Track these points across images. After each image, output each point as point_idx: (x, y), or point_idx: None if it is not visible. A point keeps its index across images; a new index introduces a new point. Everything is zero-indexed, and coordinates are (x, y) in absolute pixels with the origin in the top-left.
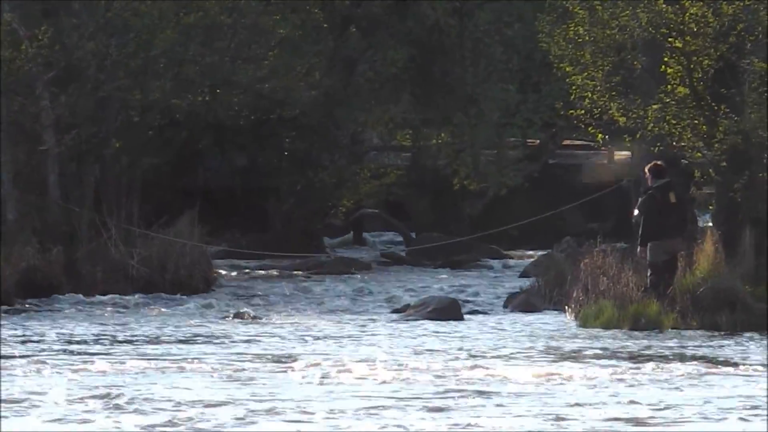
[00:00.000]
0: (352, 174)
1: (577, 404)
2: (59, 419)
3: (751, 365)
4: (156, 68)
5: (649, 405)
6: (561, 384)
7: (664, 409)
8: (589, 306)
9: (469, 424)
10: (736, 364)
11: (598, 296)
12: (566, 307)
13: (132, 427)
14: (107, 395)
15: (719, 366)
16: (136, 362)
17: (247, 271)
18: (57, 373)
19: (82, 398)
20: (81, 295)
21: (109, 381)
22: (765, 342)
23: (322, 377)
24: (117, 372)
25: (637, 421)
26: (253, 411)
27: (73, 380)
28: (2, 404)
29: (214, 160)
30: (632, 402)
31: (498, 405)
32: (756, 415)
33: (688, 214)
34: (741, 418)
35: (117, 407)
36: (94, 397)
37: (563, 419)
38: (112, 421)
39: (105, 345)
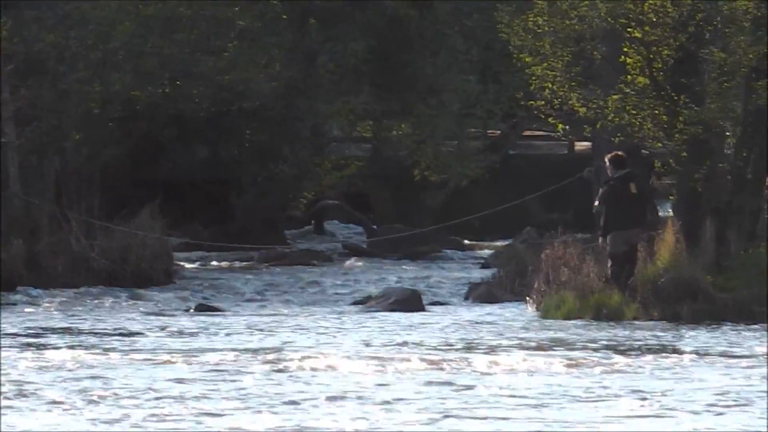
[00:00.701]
0: (313, 165)
1: (539, 394)
2: (19, 410)
3: (714, 355)
4: (116, 60)
5: (610, 395)
6: (521, 374)
7: (625, 397)
8: (550, 297)
9: (433, 418)
10: (698, 354)
11: (559, 287)
12: (527, 298)
13: (89, 421)
14: (66, 388)
15: (682, 355)
16: (96, 355)
17: (208, 263)
18: (13, 366)
19: (40, 390)
20: (42, 288)
21: (69, 374)
22: (727, 332)
23: (282, 369)
24: (78, 365)
25: (598, 411)
26: (212, 404)
27: (32, 373)
28: None
29: (175, 152)
30: (591, 391)
31: (454, 397)
32: (723, 405)
33: (648, 205)
34: (707, 408)
35: (79, 399)
36: (54, 389)
37: (525, 408)
38: (70, 414)
39: (65, 337)
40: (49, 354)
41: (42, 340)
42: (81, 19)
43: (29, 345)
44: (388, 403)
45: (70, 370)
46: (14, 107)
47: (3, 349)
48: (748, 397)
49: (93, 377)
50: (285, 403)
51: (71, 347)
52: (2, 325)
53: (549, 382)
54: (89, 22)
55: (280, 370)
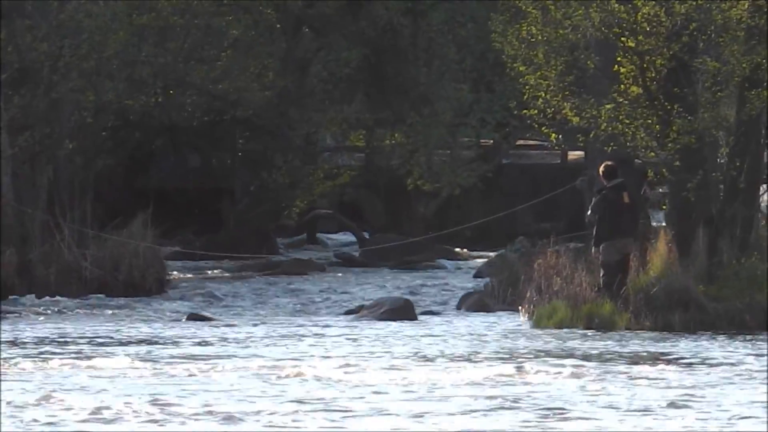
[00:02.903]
0: (305, 175)
1: (533, 404)
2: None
3: (706, 364)
4: (109, 69)
5: (601, 404)
6: (514, 384)
7: (614, 408)
8: (542, 306)
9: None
10: (690, 364)
11: (551, 296)
12: (520, 308)
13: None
14: (47, 397)
15: (673, 364)
16: (88, 363)
17: (200, 272)
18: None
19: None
20: (34, 297)
21: (60, 383)
22: (719, 341)
23: (274, 379)
24: (69, 374)
25: (590, 420)
26: (207, 412)
27: (22, 381)
28: None
29: (167, 161)
30: (583, 401)
31: (444, 405)
32: (707, 412)
33: (639, 214)
34: (697, 418)
35: (64, 409)
36: (43, 398)
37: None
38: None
39: (56, 347)
40: (34, 361)
41: (30, 350)
42: (74, 29)
43: (17, 354)
44: (372, 412)
45: (54, 378)
46: (7, 116)
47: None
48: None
49: (74, 387)
50: (274, 413)
51: (58, 355)
52: None
53: (548, 390)
54: (83, 32)
55: (269, 381)
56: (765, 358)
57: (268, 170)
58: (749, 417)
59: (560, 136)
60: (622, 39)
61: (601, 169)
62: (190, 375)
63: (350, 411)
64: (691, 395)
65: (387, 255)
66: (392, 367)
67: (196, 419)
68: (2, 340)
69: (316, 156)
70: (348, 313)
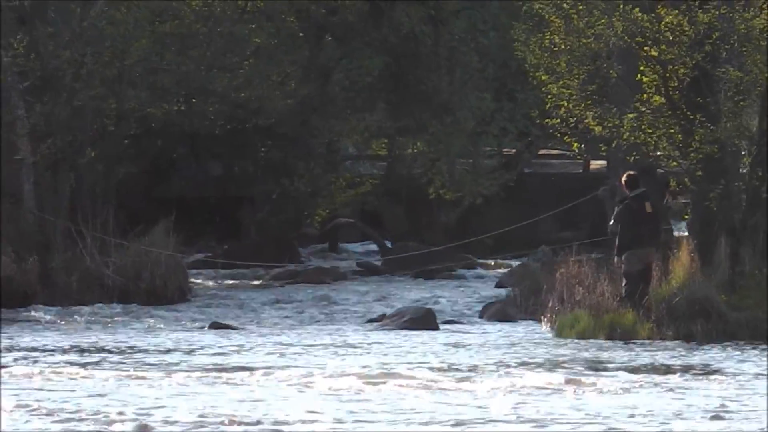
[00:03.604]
0: (327, 183)
1: (554, 414)
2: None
3: (730, 374)
4: (131, 77)
5: (626, 413)
6: (536, 394)
7: (641, 416)
8: (564, 316)
9: None
10: (712, 373)
11: (573, 306)
12: (542, 317)
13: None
14: (53, 410)
15: (695, 374)
16: (109, 372)
17: (222, 280)
18: (28, 381)
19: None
20: (56, 305)
21: (80, 392)
22: (740, 350)
23: (296, 387)
24: (88, 382)
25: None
26: (232, 420)
27: (44, 390)
28: None
29: (189, 169)
30: (612, 410)
31: (471, 413)
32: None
33: (661, 224)
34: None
35: (86, 419)
36: (67, 408)
37: (543, 427)
38: None
39: (79, 355)
40: (55, 371)
41: (52, 357)
42: (97, 36)
43: (38, 361)
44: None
45: (73, 386)
46: (29, 124)
47: (14, 365)
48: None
49: (99, 395)
50: (294, 421)
51: (80, 364)
52: (17, 341)
53: (575, 403)
54: (105, 39)
55: (292, 390)
56: None
57: (290, 178)
58: None
59: (582, 146)
60: (645, 48)
61: (624, 178)
62: (234, 384)
63: (375, 421)
64: (726, 406)
65: (408, 264)
66: (417, 377)
67: None
68: (28, 347)
69: (337, 164)
70: (370, 321)
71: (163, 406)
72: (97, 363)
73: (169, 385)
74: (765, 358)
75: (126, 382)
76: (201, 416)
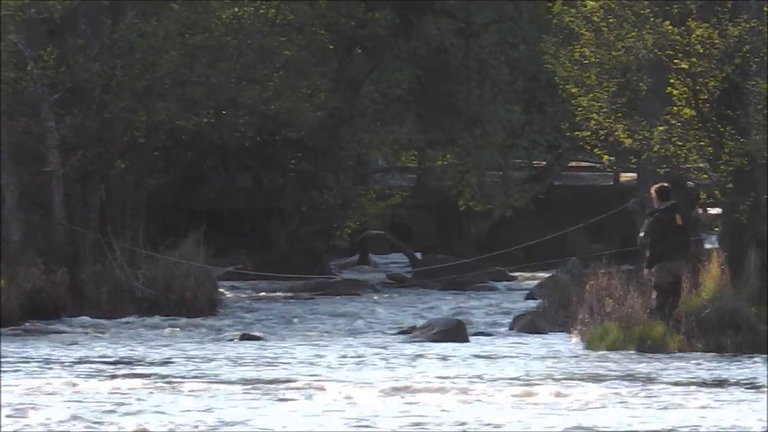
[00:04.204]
0: (357, 195)
1: (584, 427)
2: None
3: (761, 387)
4: (161, 89)
5: (657, 427)
6: (569, 407)
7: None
8: (594, 328)
9: None
10: (743, 386)
11: (603, 318)
12: (572, 329)
13: None
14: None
15: (726, 387)
16: (140, 381)
17: (252, 292)
18: (58, 393)
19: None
20: (86, 317)
21: (116, 401)
22: None
23: (326, 400)
24: (123, 393)
25: None
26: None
27: (76, 402)
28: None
29: (219, 181)
30: (643, 424)
31: (501, 423)
32: None
33: (691, 236)
34: None
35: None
36: (99, 419)
37: None
38: None
39: (109, 366)
40: (87, 381)
41: (82, 368)
42: (127, 48)
43: (70, 372)
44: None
45: (107, 397)
46: (59, 136)
47: (45, 377)
48: None
49: (133, 404)
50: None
51: (110, 375)
52: (47, 351)
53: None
54: (135, 51)
55: (320, 403)
56: None
57: (320, 190)
58: None
59: (612, 158)
60: (675, 61)
61: (656, 188)
62: (283, 399)
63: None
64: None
65: (438, 276)
66: (446, 389)
67: None
68: (54, 360)
69: (367, 176)
70: (400, 333)
71: (199, 419)
72: (124, 375)
73: (198, 396)
74: None
75: (156, 392)
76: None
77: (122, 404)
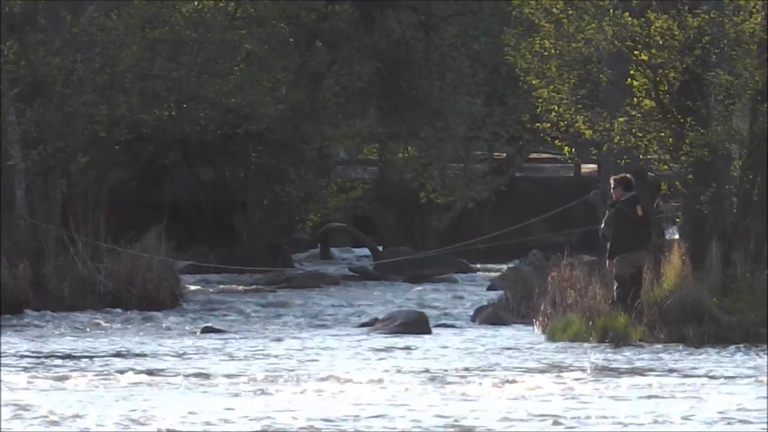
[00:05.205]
0: (318, 188)
1: (546, 416)
2: None
3: (723, 377)
4: (122, 83)
5: (616, 417)
6: (526, 397)
7: (628, 422)
8: (556, 319)
9: None
10: (705, 377)
11: (565, 309)
12: (534, 321)
13: None
14: (50, 417)
15: (688, 378)
16: (100, 378)
17: (214, 285)
18: (24, 389)
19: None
20: (48, 311)
21: (77, 397)
22: (732, 354)
23: (286, 392)
24: (89, 387)
25: None
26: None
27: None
28: None
29: (180, 175)
30: (601, 416)
31: (462, 415)
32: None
33: (652, 227)
34: None
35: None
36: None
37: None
38: None
39: (72, 360)
40: (48, 376)
41: (45, 362)
42: (88, 43)
43: (30, 366)
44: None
45: (69, 391)
46: (20, 130)
47: (12, 372)
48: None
49: (91, 401)
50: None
51: (73, 369)
52: (9, 348)
53: (568, 404)
54: (96, 46)
55: (280, 394)
56: None
57: (281, 184)
58: None
59: (573, 150)
60: (635, 52)
61: (616, 180)
62: (227, 389)
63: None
64: (728, 410)
65: (400, 268)
66: (406, 381)
67: None
68: (15, 353)
69: (329, 169)
70: (362, 326)
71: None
72: (83, 369)
73: (159, 390)
74: (757, 361)
75: (113, 387)
76: (187, 421)
77: (64, 400)
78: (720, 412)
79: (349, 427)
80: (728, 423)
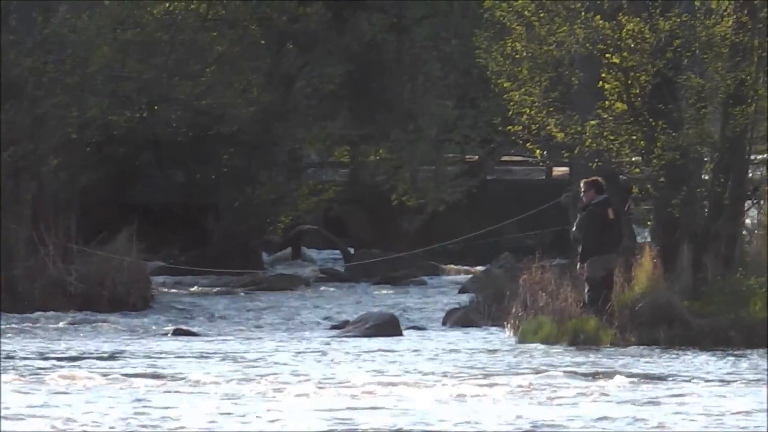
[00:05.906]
0: (290, 190)
1: (520, 418)
2: None
3: (692, 380)
4: (93, 85)
5: (585, 420)
6: (497, 400)
7: (601, 420)
8: (528, 322)
9: None
10: (674, 379)
11: (536, 312)
12: (505, 323)
13: None
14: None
15: (657, 381)
16: (70, 380)
17: (185, 287)
18: None
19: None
20: (18, 313)
21: (46, 399)
22: (703, 356)
23: (257, 395)
24: (56, 390)
25: None
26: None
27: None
28: None
29: (152, 177)
30: (571, 419)
31: (431, 419)
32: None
33: (623, 230)
34: None
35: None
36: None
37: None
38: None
39: (42, 362)
40: (20, 377)
41: (13, 363)
42: (59, 44)
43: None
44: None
45: (39, 394)
46: None
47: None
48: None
49: (66, 405)
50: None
51: (43, 370)
52: None
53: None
54: (67, 47)
55: (251, 398)
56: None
57: (253, 186)
58: None
59: (545, 152)
60: (607, 55)
61: (587, 183)
62: (204, 393)
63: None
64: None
65: (372, 270)
66: (375, 384)
67: None
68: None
69: (300, 172)
70: (333, 328)
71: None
72: (51, 369)
73: (128, 391)
74: (728, 364)
75: (81, 389)
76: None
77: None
78: (702, 414)
79: None
80: (705, 426)
